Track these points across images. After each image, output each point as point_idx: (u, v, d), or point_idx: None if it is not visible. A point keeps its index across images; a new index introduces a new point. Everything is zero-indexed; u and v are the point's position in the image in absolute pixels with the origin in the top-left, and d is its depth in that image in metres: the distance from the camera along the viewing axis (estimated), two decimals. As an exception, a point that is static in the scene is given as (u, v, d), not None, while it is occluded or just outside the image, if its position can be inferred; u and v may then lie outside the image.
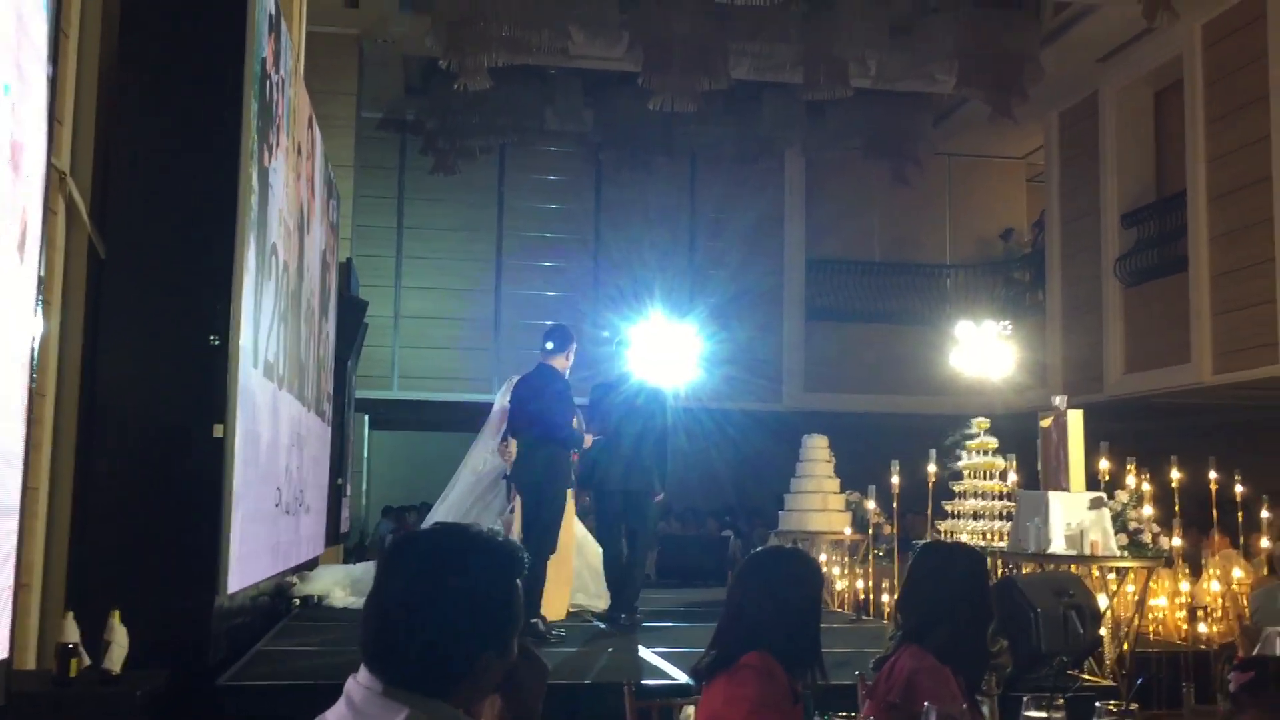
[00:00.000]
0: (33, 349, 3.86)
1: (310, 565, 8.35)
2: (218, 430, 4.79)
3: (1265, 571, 7.60)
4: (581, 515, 8.39)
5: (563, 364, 7.14)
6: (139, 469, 4.74)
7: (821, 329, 14.82)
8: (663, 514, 14.78)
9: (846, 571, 9.60)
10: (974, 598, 3.11)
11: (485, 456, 8.49)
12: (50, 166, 3.99)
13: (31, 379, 3.55)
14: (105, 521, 4.68)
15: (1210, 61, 11.04)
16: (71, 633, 4.03)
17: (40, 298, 3.95)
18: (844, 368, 14.53)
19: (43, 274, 3.97)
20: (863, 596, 9.13)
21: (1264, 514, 8.45)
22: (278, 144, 5.96)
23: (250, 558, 5.46)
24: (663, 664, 5.75)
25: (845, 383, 14.45)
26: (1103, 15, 11.13)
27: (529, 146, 13.58)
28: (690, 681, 3.09)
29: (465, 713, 1.69)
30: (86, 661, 4.06)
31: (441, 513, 8.45)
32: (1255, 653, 4.25)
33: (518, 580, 1.76)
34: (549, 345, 7.15)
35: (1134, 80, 12.50)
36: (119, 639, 4.12)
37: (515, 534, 7.16)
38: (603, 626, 7.26)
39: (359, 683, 1.69)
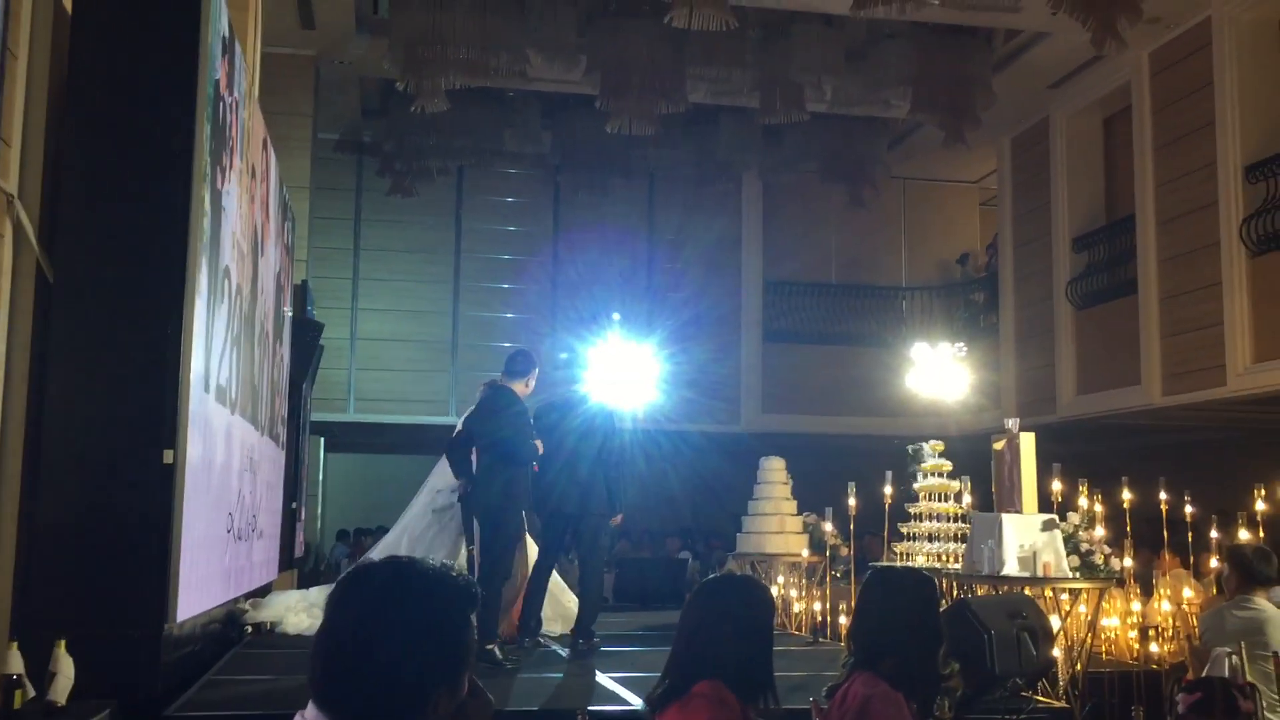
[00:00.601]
0: (-23, 375, 3.79)
1: (264, 591, 8.25)
2: (167, 456, 4.71)
3: (1214, 591, 7.70)
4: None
5: (522, 389, 7.14)
6: (86, 495, 4.65)
7: (779, 350, 14.90)
8: (619, 536, 14.85)
9: (803, 594, 9.62)
10: (924, 622, 3.13)
11: (443, 479, 8.44)
12: (-4, 189, 3.94)
13: (-25, 406, 3.49)
14: (51, 549, 4.59)
15: (1157, 89, 11.25)
16: (15, 663, 3.96)
17: (-15, 322, 3.90)
18: (801, 389, 14.61)
19: (-12, 298, 3.92)
20: (820, 619, 9.15)
21: (1213, 534, 8.58)
22: (231, 166, 5.92)
23: (200, 585, 5.39)
24: (619, 689, 5.73)
25: (802, 404, 14.53)
26: (1053, 43, 11.32)
27: (487, 168, 13.56)
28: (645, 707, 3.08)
29: None
30: (31, 693, 3.99)
31: (395, 535, 8.39)
32: (1205, 673, 4.29)
33: (471, 615, 1.74)
34: (511, 369, 7.16)
35: (1084, 106, 12.71)
36: (64, 669, 4.05)
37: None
38: (562, 652, 7.22)
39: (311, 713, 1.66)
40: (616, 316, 11.19)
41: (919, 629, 3.09)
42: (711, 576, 3.19)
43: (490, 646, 6.47)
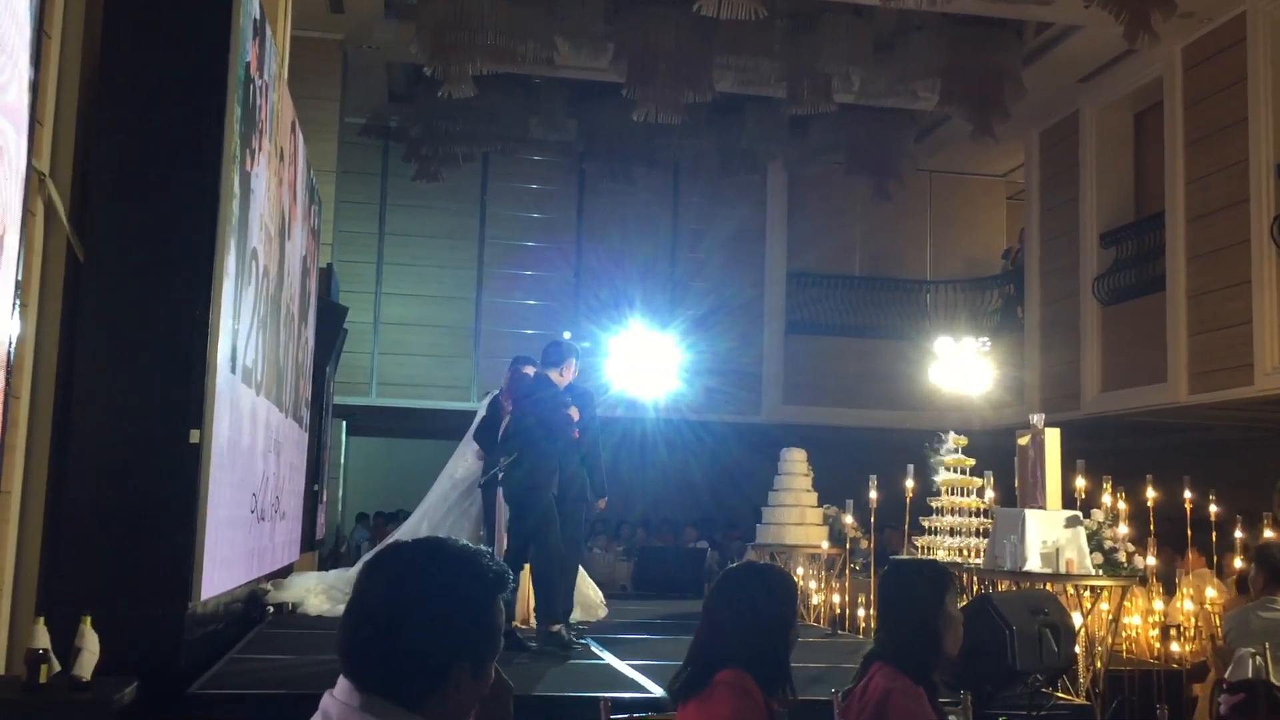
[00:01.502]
0: (8, 351, 3.83)
1: (285, 572, 8.30)
2: (194, 436, 4.75)
3: (1237, 592, 7.65)
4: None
5: (557, 377, 7.19)
6: (113, 474, 4.69)
7: (801, 342, 14.86)
8: (637, 526, 14.86)
9: (823, 586, 9.61)
10: (935, 611, 3.10)
11: (464, 464, 8.47)
12: (30, 168, 3.97)
13: (6, 381, 3.52)
14: (78, 526, 4.62)
15: (1190, 84, 11.15)
16: (42, 638, 3.99)
17: (17, 300, 3.92)
18: (823, 381, 14.57)
19: (20, 276, 3.94)
20: (839, 611, 9.14)
21: (1238, 534, 8.52)
22: (260, 149, 5.94)
23: (224, 565, 5.43)
24: (639, 677, 5.74)
25: (824, 396, 14.49)
26: (1084, 36, 11.22)
27: (512, 155, 13.56)
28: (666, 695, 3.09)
29: None
30: (57, 668, 4.02)
31: (416, 519, 8.43)
32: (1228, 674, 4.27)
33: (498, 598, 1.75)
34: (545, 359, 7.25)
35: (1114, 101, 12.61)
36: (90, 645, 4.08)
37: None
38: (531, 645, 6.80)
39: (336, 698, 1.68)
40: (586, 344, 10.83)
41: (928, 619, 3.08)
42: (734, 565, 3.18)
43: (556, 628, 6.65)
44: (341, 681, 1.69)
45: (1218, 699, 2.85)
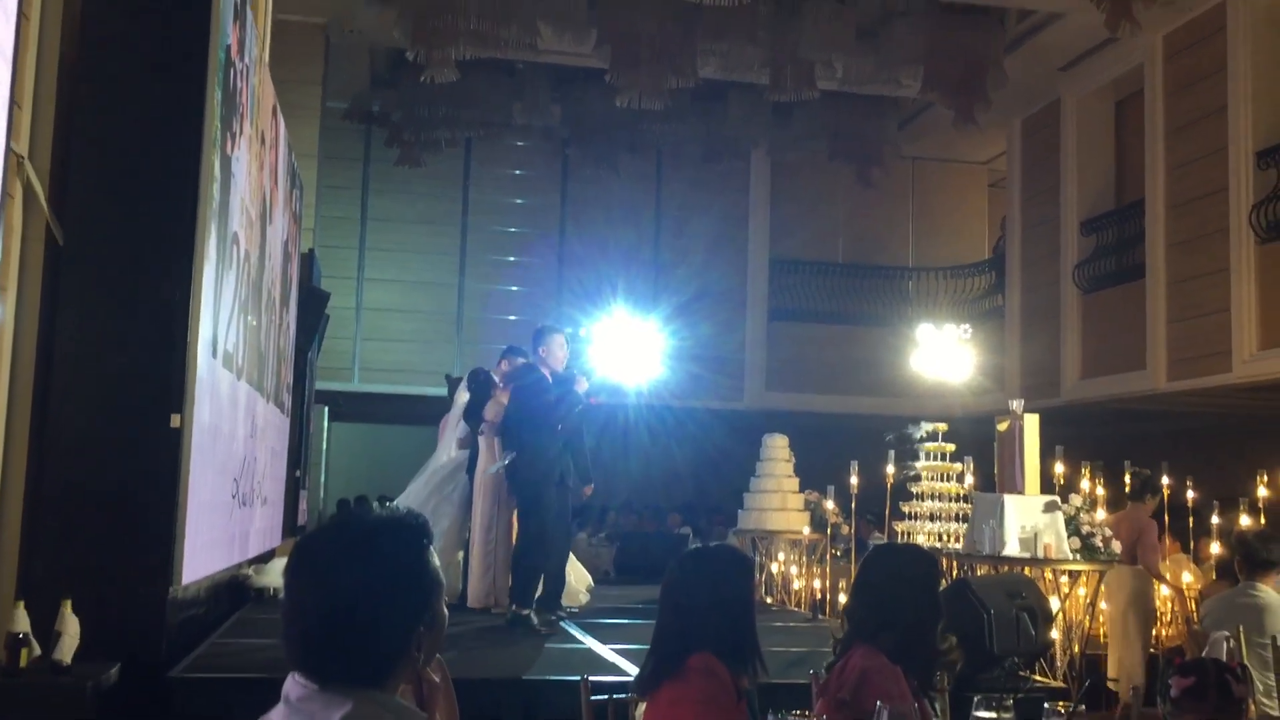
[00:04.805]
0: (-13, 335, 3.81)
1: (266, 557, 8.29)
2: (175, 420, 4.74)
3: (1214, 576, 7.72)
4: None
5: (542, 363, 7.27)
6: (94, 458, 4.68)
7: (784, 328, 14.90)
8: (622, 510, 14.89)
9: (804, 571, 9.66)
10: (925, 597, 3.15)
11: (447, 451, 8.48)
12: (8, 150, 3.94)
13: (-15, 365, 3.51)
14: (58, 510, 4.61)
15: (1170, 72, 11.20)
16: (22, 622, 4.00)
17: (-5, 283, 3.91)
18: (805, 368, 14.62)
19: (-2, 259, 3.93)
20: (819, 596, 9.19)
21: (1214, 519, 8.60)
22: (241, 132, 5.91)
23: (205, 549, 5.42)
24: (619, 660, 5.77)
25: (806, 383, 14.53)
26: (1066, 24, 11.25)
27: (495, 140, 13.52)
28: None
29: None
30: (37, 652, 4.03)
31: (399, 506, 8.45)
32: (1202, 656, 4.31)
33: (427, 547, 1.72)
34: (533, 344, 7.43)
35: (1095, 89, 12.65)
36: (70, 629, 4.08)
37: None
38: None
39: (297, 681, 1.66)
40: (569, 330, 10.99)
41: (920, 604, 3.12)
42: (687, 550, 3.18)
43: (526, 613, 6.79)
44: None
45: (1168, 680, 2.86)
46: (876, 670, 2.98)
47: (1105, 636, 7.84)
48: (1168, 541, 8.74)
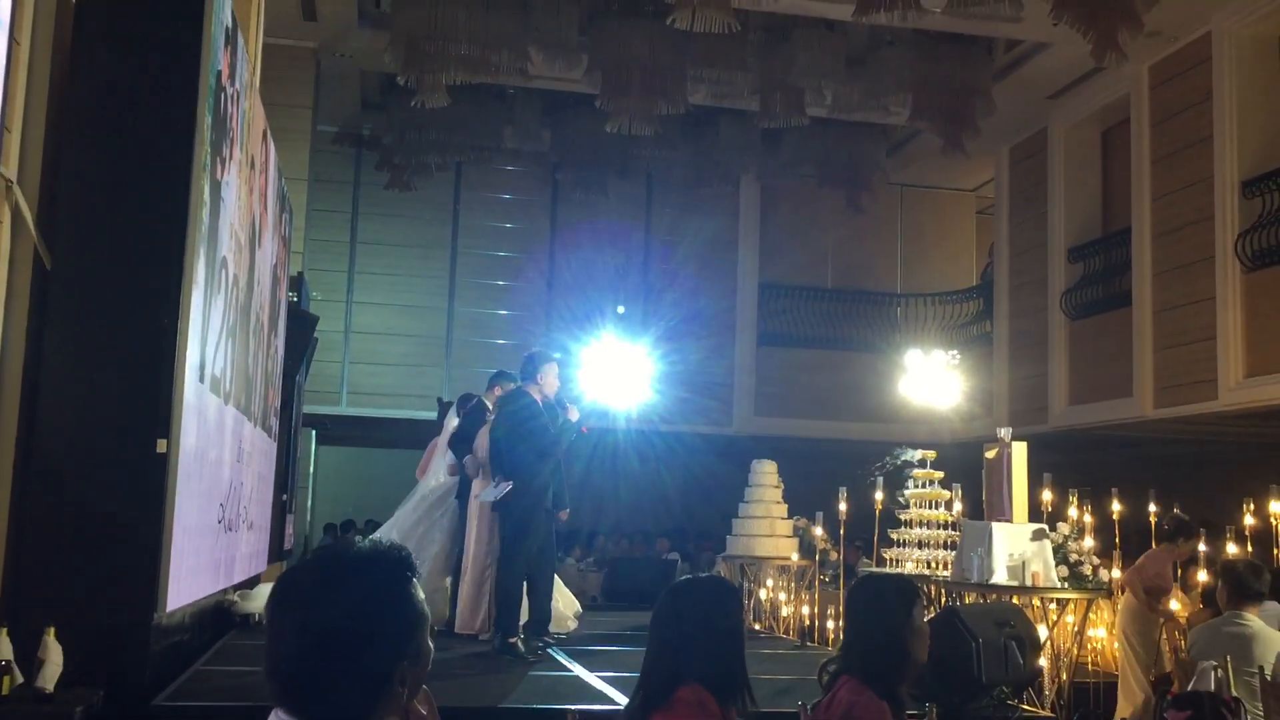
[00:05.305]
0: (-27, 360, 3.79)
1: (252, 583, 8.24)
2: (161, 445, 4.71)
3: (1201, 605, 7.72)
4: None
5: (536, 391, 7.24)
6: (79, 482, 4.64)
7: (772, 354, 14.92)
8: (610, 536, 14.85)
9: (792, 598, 9.64)
10: (901, 626, 3.11)
11: (435, 477, 8.46)
12: (-3, 175, 3.94)
13: (-29, 391, 3.49)
14: (42, 535, 4.58)
15: (1156, 102, 11.29)
16: (5, 650, 3.96)
17: (-18, 308, 3.89)
18: (794, 393, 14.63)
19: (-14, 284, 3.91)
20: (808, 623, 9.17)
21: (1201, 547, 8.60)
22: (231, 157, 5.91)
23: (190, 575, 5.38)
24: (607, 689, 5.74)
25: (795, 408, 14.54)
26: (1053, 54, 11.35)
27: (485, 165, 13.56)
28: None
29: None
30: (20, 679, 3.99)
31: (385, 530, 8.40)
32: (1191, 686, 4.31)
33: (412, 581, 1.69)
34: (522, 373, 7.40)
35: (1083, 118, 12.75)
36: (53, 656, 4.05)
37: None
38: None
39: (280, 718, 1.63)
40: (621, 309, 11.15)
41: (895, 633, 3.09)
42: (677, 581, 3.16)
43: (513, 640, 6.79)
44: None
45: (1164, 713, 2.86)
46: (863, 705, 2.96)
47: (1093, 665, 7.83)
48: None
